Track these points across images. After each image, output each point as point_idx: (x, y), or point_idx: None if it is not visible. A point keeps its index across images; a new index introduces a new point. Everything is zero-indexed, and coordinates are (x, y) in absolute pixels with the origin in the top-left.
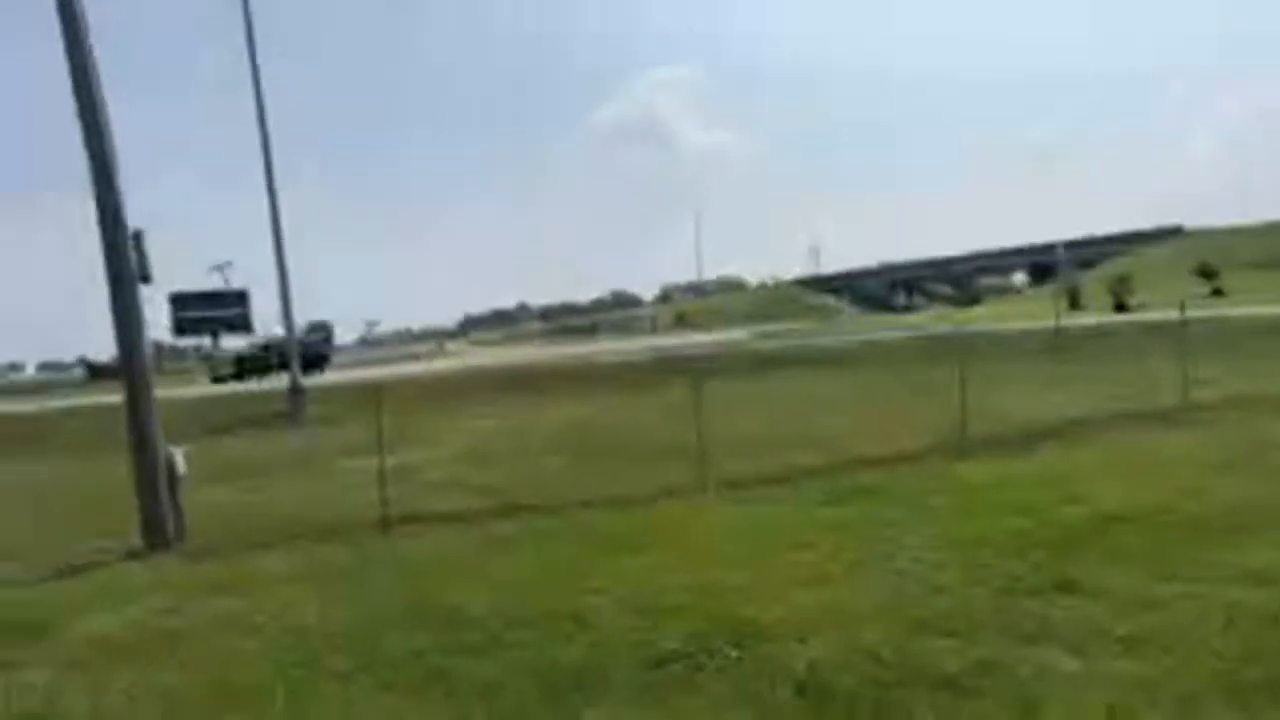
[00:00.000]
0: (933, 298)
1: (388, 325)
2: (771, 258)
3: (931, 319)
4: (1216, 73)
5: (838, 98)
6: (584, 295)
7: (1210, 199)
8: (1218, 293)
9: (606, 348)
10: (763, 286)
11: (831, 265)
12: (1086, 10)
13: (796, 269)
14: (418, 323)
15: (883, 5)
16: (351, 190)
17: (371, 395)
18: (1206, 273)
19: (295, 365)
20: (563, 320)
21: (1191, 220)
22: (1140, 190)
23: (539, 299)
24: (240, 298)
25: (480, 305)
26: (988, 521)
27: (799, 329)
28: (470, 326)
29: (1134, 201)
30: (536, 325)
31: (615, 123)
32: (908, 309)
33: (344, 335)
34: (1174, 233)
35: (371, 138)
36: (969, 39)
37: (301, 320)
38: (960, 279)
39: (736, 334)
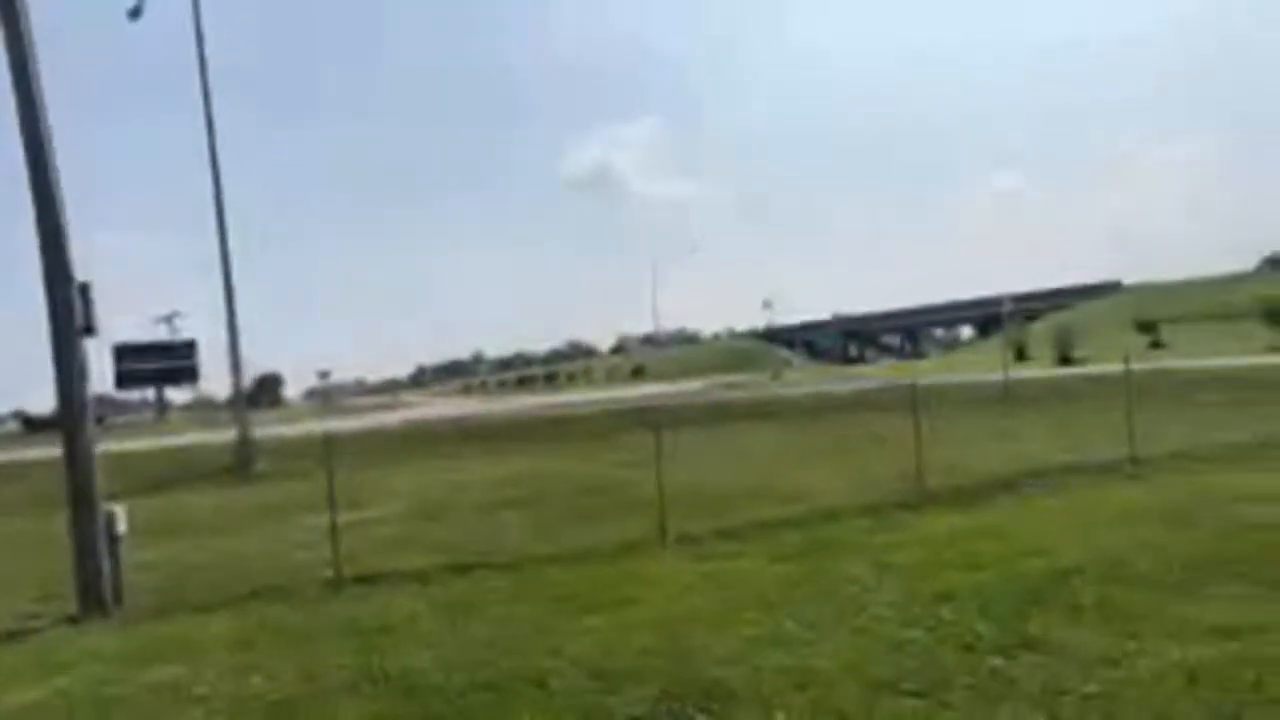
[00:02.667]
0: (883, 350)
1: (340, 376)
2: (727, 309)
3: (884, 370)
4: (1153, 139)
5: (796, 152)
6: (540, 346)
7: (1148, 256)
8: (1157, 345)
9: (565, 399)
10: (717, 338)
11: (785, 317)
12: (1022, 77)
13: (752, 321)
14: (372, 374)
15: (840, 63)
16: (305, 239)
17: (323, 448)
18: (1145, 326)
19: (244, 416)
20: (519, 371)
21: (1130, 276)
22: (1083, 245)
23: (495, 350)
24: (189, 348)
25: (435, 355)
26: (949, 576)
27: (754, 381)
28: (424, 377)
29: (1077, 256)
30: (493, 376)
31: (576, 174)
32: (860, 360)
33: (294, 386)
34: (1113, 287)
35: (325, 187)
36: (923, 97)
37: (250, 372)
38: (910, 331)
39: (694, 385)
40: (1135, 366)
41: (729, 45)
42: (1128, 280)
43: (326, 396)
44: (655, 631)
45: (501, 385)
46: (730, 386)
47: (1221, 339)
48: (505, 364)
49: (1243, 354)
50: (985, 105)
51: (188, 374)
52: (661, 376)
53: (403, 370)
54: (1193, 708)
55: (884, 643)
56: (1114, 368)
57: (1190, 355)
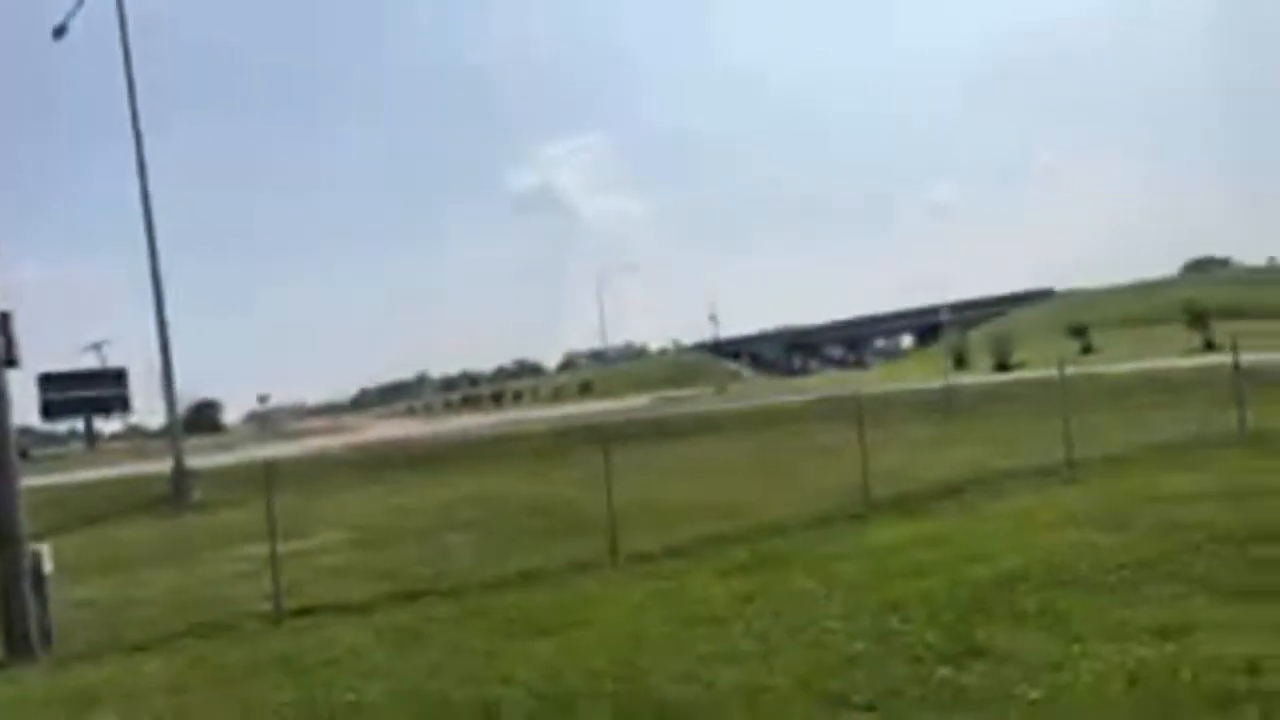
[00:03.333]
0: (827, 360)
1: (279, 400)
2: (675, 324)
3: (829, 381)
4: (1078, 150)
5: (738, 166)
6: (486, 364)
7: (1078, 262)
8: (1088, 350)
9: (512, 417)
10: (664, 353)
11: (732, 330)
12: (959, 86)
13: (699, 334)
14: (312, 396)
15: (777, 80)
16: (241, 257)
17: (262, 475)
18: (1077, 331)
19: (179, 444)
20: (465, 390)
21: (1061, 283)
22: (1015, 254)
23: (440, 369)
24: (118, 377)
25: (378, 377)
26: (896, 586)
27: (701, 394)
28: (367, 399)
29: (1010, 265)
30: (439, 396)
31: (520, 189)
32: (805, 372)
33: (234, 411)
34: (1046, 295)
35: (262, 203)
36: (860, 111)
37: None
38: (853, 341)
39: (640, 400)
40: (1068, 371)
41: (666, 60)
42: (1059, 287)
43: (266, 421)
44: (607, 653)
45: (447, 406)
46: (677, 401)
47: (1148, 342)
48: (450, 384)
49: (1168, 356)
50: (921, 117)
51: (118, 403)
52: (609, 392)
53: (345, 392)
54: (1134, 709)
55: (835, 656)
56: (1049, 372)
57: (1119, 359)
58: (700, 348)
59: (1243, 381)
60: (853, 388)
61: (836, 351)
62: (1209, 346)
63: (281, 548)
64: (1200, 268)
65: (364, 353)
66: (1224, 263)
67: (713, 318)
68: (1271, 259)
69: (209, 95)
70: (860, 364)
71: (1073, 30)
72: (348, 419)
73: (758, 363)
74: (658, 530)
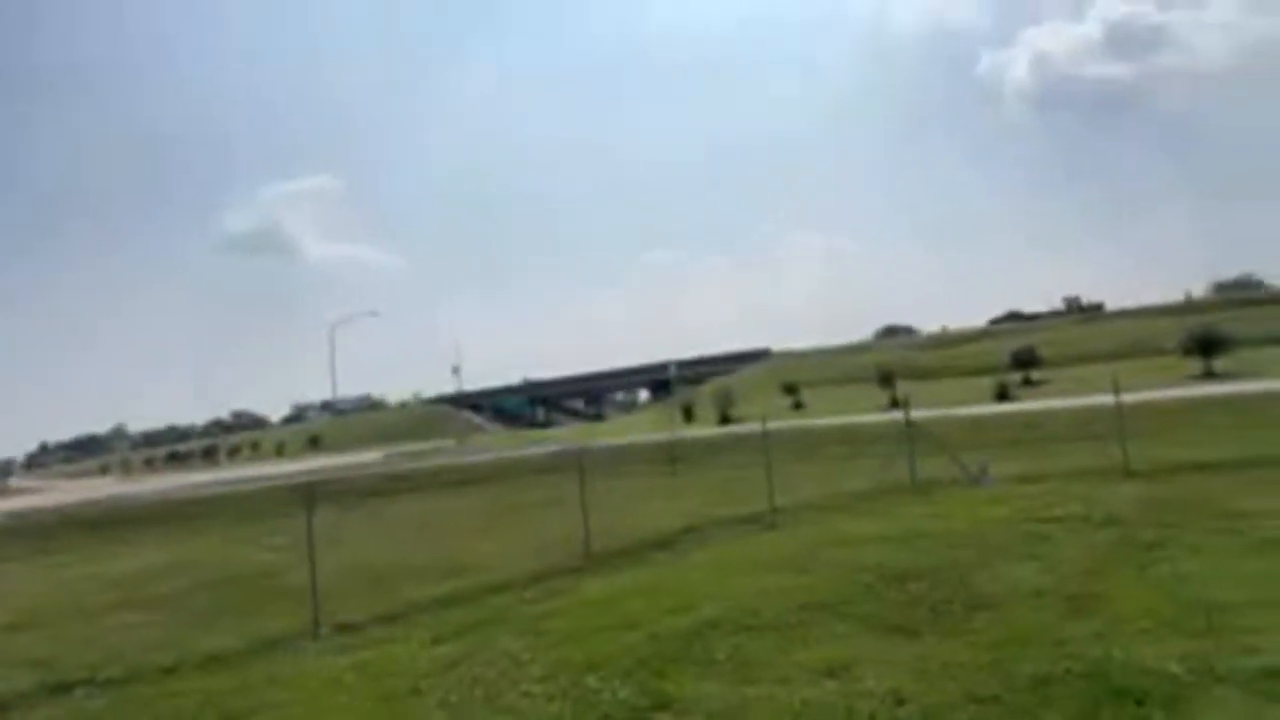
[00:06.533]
0: (568, 413)
1: None
2: (416, 375)
3: (569, 433)
4: (793, 224)
5: (477, 221)
6: (200, 417)
7: (790, 326)
8: (798, 405)
9: (224, 476)
10: (404, 405)
11: (475, 382)
12: (702, 155)
13: (441, 386)
14: None
15: (513, 140)
16: None
17: None
18: (789, 388)
19: None
20: (172, 445)
21: (777, 344)
22: (739, 318)
23: (142, 423)
24: None
25: (65, 430)
26: (600, 641)
27: (439, 448)
28: (47, 456)
29: (734, 328)
30: (140, 452)
31: (239, 233)
32: (547, 424)
33: None
34: (763, 354)
35: None
36: (593, 178)
37: None
38: (592, 395)
39: (370, 455)
40: (780, 425)
41: (404, 113)
42: (775, 348)
43: None
44: None
45: (149, 463)
46: (413, 455)
47: (848, 399)
48: (155, 438)
49: (863, 412)
50: (651, 189)
51: None
52: (341, 446)
53: (20, 447)
54: None
55: None
56: (762, 426)
57: (824, 414)
58: (443, 400)
59: (914, 436)
60: (590, 440)
61: (578, 404)
62: (894, 403)
63: None
64: (890, 334)
65: (43, 403)
66: (909, 330)
67: (455, 370)
68: (944, 328)
69: None
70: (600, 416)
71: (786, 119)
72: (17, 480)
73: (500, 415)
74: (371, 596)
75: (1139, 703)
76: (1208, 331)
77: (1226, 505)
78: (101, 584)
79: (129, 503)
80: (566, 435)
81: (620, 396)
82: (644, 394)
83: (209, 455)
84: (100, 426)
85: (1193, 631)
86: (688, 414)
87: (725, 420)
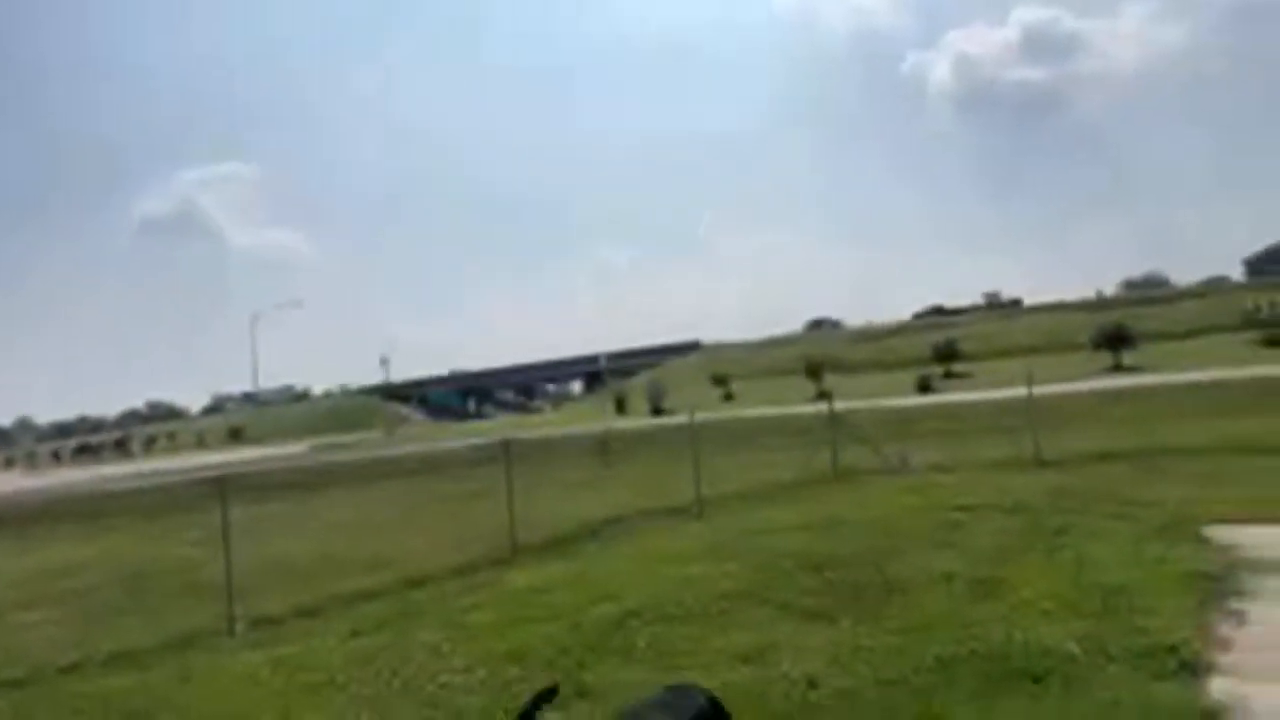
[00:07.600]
0: (501, 404)
1: None
2: (342, 366)
3: (501, 425)
4: (725, 220)
5: (412, 212)
6: (111, 408)
7: (721, 319)
8: (729, 397)
9: (137, 468)
10: (329, 395)
11: (404, 373)
12: (637, 153)
13: (369, 377)
14: None
15: (447, 140)
16: None
17: None
18: (719, 380)
19: None
20: (82, 437)
21: (707, 337)
22: (670, 310)
23: (48, 414)
24: None
25: None
26: (523, 632)
27: (365, 440)
28: None
29: (664, 320)
30: (46, 444)
31: (153, 218)
32: (479, 416)
33: None
34: (694, 347)
35: None
36: (538, 177)
37: None
38: (525, 387)
39: (295, 447)
40: (710, 416)
41: (330, 100)
42: (705, 340)
43: None
44: None
45: (56, 456)
46: (337, 447)
47: (776, 390)
48: (65, 430)
49: (792, 403)
50: (585, 185)
51: None
52: (263, 438)
53: None
54: None
55: (447, 712)
56: (697, 416)
57: (753, 405)
58: (371, 390)
59: (838, 426)
60: (521, 432)
61: (510, 396)
62: (821, 395)
63: None
64: (818, 327)
65: None
66: (836, 324)
67: (384, 360)
68: (870, 321)
69: None
70: (533, 408)
71: (719, 119)
72: None
73: (430, 406)
74: (290, 590)
75: (1036, 680)
76: (1117, 328)
77: (1126, 494)
78: (4, 582)
79: (36, 497)
80: (497, 427)
81: (553, 389)
82: (577, 386)
83: (121, 446)
84: (4, 418)
85: (1090, 613)
86: (620, 406)
87: (658, 412)
